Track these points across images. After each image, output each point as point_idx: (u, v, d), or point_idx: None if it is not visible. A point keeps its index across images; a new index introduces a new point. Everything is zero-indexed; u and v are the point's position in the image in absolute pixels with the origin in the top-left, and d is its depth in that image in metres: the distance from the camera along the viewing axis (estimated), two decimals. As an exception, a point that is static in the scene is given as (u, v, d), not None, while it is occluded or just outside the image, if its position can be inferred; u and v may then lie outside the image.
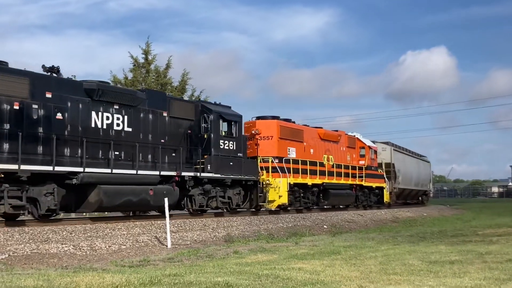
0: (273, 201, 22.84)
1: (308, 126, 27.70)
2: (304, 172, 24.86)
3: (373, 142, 35.99)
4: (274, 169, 22.93)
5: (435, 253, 11.69)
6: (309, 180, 25.15)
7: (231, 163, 19.82)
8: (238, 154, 20.29)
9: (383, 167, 34.02)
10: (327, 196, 26.82)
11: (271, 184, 22.56)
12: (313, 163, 25.81)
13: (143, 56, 33.24)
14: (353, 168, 29.89)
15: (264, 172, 22.31)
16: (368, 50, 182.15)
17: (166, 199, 15.02)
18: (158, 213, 18.42)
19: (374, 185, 31.80)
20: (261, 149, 22.87)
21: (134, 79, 32.21)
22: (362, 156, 31.35)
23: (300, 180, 24.49)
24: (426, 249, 12.58)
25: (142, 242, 14.71)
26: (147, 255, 12.79)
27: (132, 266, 10.86)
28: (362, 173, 30.54)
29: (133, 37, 75.11)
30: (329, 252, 12.38)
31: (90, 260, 12.20)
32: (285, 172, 23.04)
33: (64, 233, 14.19)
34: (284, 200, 23.05)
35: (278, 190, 22.85)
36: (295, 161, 24.33)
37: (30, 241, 13.12)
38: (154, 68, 33.41)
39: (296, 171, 24.16)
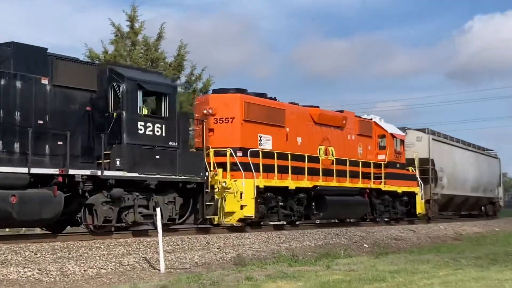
0: (232, 213, 16.42)
1: (295, 104, 20.55)
2: (284, 170, 17.99)
3: (402, 129, 27.47)
4: (235, 166, 16.42)
5: (512, 282, 9.57)
6: (291, 183, 18.16)
7: (157, 157, 14.09)
8: (171, 144, 14.38)
9: (416, 164, 25.19)
10: (322, 205, 19.64)
11: (229, 188, 16.16)
12: (299, 158, 18.75)
13: (128, 23, 26.73)
14: (367, 165, 22.01)
15: (221, 170, 16.20)
16: (420, 14, 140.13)
17: (158, 210, 12.30)
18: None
19: (400, 189, 23.36)
20: (217, 137, 16.67)
21: (116, 53, 25.77)
22: (383, 148, 23.08)
23: (275, 182, 17.65)
24: (498, 276, 10.74)
25: (128, 265, 12.40)
26: (134, 282, 10.77)
27: None
28: (381, 173, 22.43)
29: (115, 1, 66.89)
30: (370, 278, 10.51)
31: None
32: (251, 171, 16.47)
33: (27, 253, 12.03)
34: (249, 211, 16.40)
35: (238, 196, 16.33)
36: (270, 155, 17.66)
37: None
38: (142, 39, 26.81)
39: (270, 169, 17.51)
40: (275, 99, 19.23)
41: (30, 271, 10.79)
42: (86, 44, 26.63)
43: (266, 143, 18.03)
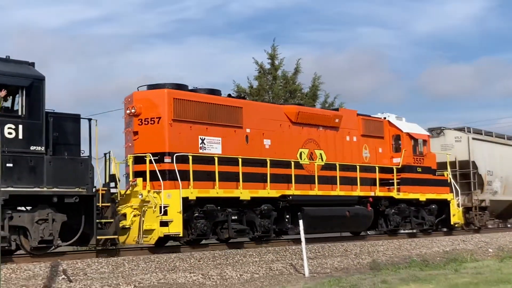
0: (151, 231, 14.04)
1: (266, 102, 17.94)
2: (233, 178, 15.46)
3: (439, 129, 24.81)
4: (161, 175, 14.17)
5: None
6: (244, 192, 15.53)
7: (8, 165, 11.71)
8: (33, 148, 11.92)
9: (448, 168, 22.01)
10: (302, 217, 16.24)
11: (148, 202, 13.90)
12: (258, 163, 16.14)
13: (269, 61, 30.87)
14: (371, 169, 19.31)
15: (141, 180, 14.09)
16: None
17: (301, 221, 14.02)
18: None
19: (423, 197, 20.30)
20: (141, 141, 14.68)
21: (260, 87, 30.19)
22: (398, 150, 20.30)
23: (216, 192, 15.01)
24: None
25: (277, 270, 13.92)
26: (282, 285, 12.12)
27: None
28: (396, 178, 19.71)
29: (258, 41, 64.18)
30: (496, 281, 11.11)
31: None
32: (176, 179, 14.08)
33: (191, 261, 13.64)
34: (175, 228, 13.98)
35: (158, 211, 13.88)
36: (210, 160, 15.17)
37: (157, 270, 12.67)
38: (281, 74, 30.95)
39: (210, 177, 15.07)
40: (230, 95, 17.05)
41: (195, 275, 12.43)
42: (234, 81, 31.19)
43: (213, 147, 15.65)
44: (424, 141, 21.21)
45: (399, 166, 19.89)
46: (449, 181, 21.68)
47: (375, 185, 19.13)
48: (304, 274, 13.26)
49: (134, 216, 14.00)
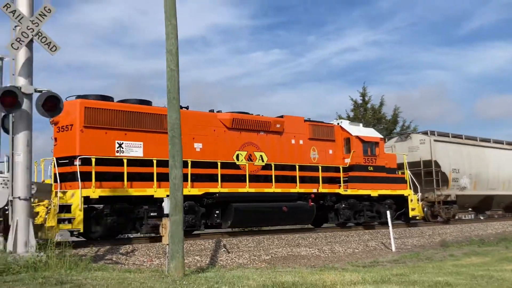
0: (51, 227, 14.47)
1: (201, 112, 18.58)
2: (149, 178, 16.13)
3: (405, 133, 27.43)
4: (70, 176, 15.05)
5: None
6: (158, 191, 16.08)
7: None
8: None
9: (405, 167, 23.14)
10: (229, 213, 17.68)
11: (54, 201, 14.37)
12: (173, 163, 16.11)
13: (361, 98, 40.32)
14: (313, 169, 20.26)
15: (57, 183, 14.78)
16: None
17: (388, 212, 19.31)
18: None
19: (374, 192, 21.50)
20: (59, 146, 15.67)
21: (355, 116, 38.34)
22: (349, 151, 21.66)
23: (126, 191, 15.56)
24: None
25: (371, 246, 17.85)
26: (375, 257, 15.22)
27: (364, 266, 12.93)
28: (343, 176, 21.05)
29: (352, 84, 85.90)
30: None
31: (331, 261, 14.82)
32: (83, 180, 14.76)
33: (310, 240, 17.78)
34: (77, 225, 14.50)
35: (56, 210, 14.29)
36: (119, 162, 15.77)
37: (286, 245, 16.43)
38: (370, 106, 40.07)
39: (120, 178, 15.70)
40: (150, 103, 17.65)
41: (313, 250, 16.19)
42: (336, 112, 41.20)
43: (132, 150, 16.35)
44: (376, 143, 22.26)
45: (347, 166, 21.13)
46: (406, 178, 22.74)
47: (318, 182, 20.14)
48: (391, 250, 17.11)
49: (46, 214, 14.42)
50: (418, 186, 23.21)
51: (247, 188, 18.10)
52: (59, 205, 14.47)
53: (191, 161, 16.77)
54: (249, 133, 19.10)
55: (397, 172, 22.90)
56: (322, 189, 20.14)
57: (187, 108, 18.10)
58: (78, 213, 14.45)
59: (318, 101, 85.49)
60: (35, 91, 11.12)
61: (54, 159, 15.27)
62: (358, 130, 22.19)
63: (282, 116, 20.43)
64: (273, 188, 18.79)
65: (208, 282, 8.80)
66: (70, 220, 14.50)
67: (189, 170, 16.56)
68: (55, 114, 11.32)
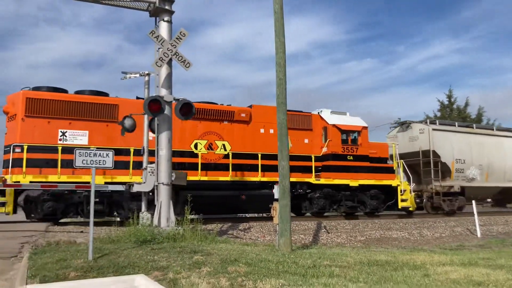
0: None
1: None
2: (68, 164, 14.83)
3: (404, 122, 23.57)
4: (12, 163, 14.29)
5: None
6: (99, 178, 14.75)
7: None
8: None
9: (394, 157, 20.31)
10: (179, 201, 15.87)
11: None
12: (122, 152, 15.22)
13: (447, 99, 40.42)
14: (291, 158, 17.05)
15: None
16: None
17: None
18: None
19: (354, 182, 18.99)
20: (8, 135, 14.99)
21: (442, 116, 38.68)
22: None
23: (58, 178, 14.33)
24: None
25: (457, 232, 16.89)
26: (461, 242, 14.47)
27: (451, 249, 12.22)
28: (316, 165, 18.46)
29: (437, 88, 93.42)
30: None
31: (420, 243, 14.23)
32: (21, 166, 14.09)
33: (400, 224, 17.31)
34: (8, 208, 14.00)
35: None
36: (53, 149, 14.48)
37: (379, 229, 16.18)
38: (456, 107, 40.20)
39: (54, 165, 14.48)
40: (107, 94, 16.26)
41: (403, 233, 15.92)
42: (424, 113, 40.97)
43: (76, 139, 15.11)
44: (358, 132, 19.50)
45: (320, 155, 18.62)
46: (395, 168, 19.98)
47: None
48: (477, 235, 16.43)
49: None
50: (411, 177, 20.55)
51: (199, 176, 16.18)
52: None
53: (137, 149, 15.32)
54: (210, 122, 17.13)
55: (388, 162, 20.17)
56: (290, 178, 18.06)
57: (137, 97, 16.62)
58: (9, 198, 13.94)
59: (407, 103, 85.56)
60: (174, 99, 11.78)
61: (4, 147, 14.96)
62: (338, 119, 19.40)
63: (250, 106, 18.17)
64: (230, 177, 16.76)
65: (312, 257, 9.05)
66: (3, 204, 13.96)
67: (131, 158, 15.23)
68: (189, 117, 12.07)
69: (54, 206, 14.43)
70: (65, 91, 15.52)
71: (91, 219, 8.72)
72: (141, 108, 14.78)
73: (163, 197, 11.66)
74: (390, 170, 19.77)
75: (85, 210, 14.66)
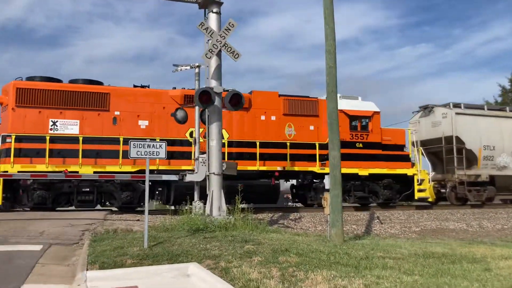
0: None
1: (145, 87, 16.38)
2: (73, 154, 14.75)
3: (426, 107, 21.69)
4: (4, 153, 14.53)
5: None
6: (80, 168, 14.51)
7: None
8: None
9: (409, 144, 18.78)
10: (170, 191, 15.77)
11: None
12: (112, 141, 15.12)
13: (509, 84, 38.50)
14: (278, 145, 16.98)
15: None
16: None
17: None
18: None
19: (364, 171, 17.81)
20: (2, 125, 15.12)
21: (503, 101, 36.81)
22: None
23: (46, 167, 14.35)
24: None
25: None
26: None
27: None
28: (320, 153, 17.27)
29: (499, 72, 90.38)
30: None
31: (479, 235, 13.71)
32: (13, 156, 14.31)
33: (458, 215, 16.60)
34: None
35: None
36: (41, 139, 14.52)
37: (435, 219, 15.67)
38: None
39: (41, 155, 14.49)
40: (101, 83, 16.08)
41: (460, 224, 15.27)
42: (484, 99, 40.02)
43: (67, 128, 15.01)
44: (368, 118, 18.13)
45: (325, 142, 16.54)
46: (411, 156, 18.48)
47: (287, 160, 16.91)
48: None
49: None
50: (429, 165, 19.26)
51: (192, 165, 15.15)
52: None
53: (125, 138, 15.00)
54: None
55: (405, 150, 18.74)
56: (292, 167, 16.92)
57: (147, 86, 16.35)
58: None
59: (465, 88, 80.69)
60: (224, 90, 11.84)
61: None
62: (346, 104, 18.00)
63: (251, 93, 17.31)
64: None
65: (365, 248, 8.82)
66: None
67: (121, 147, 14.93)
68: (239, 107, 12.06)
69: (43, 195, 14.45)
70: (59, 81, 15.55)
71: (146, 208, 9.00)
72: (134, 96, 15.64)
73: (214, 186, 11.84)
74: (406, 158, 18.45)
75: (75, 199, 14.70)
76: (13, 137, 14.23)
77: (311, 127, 17.51)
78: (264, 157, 16.69)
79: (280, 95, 17.43)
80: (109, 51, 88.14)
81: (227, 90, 12.28)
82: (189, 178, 12.78)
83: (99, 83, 15.99)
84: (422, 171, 18.42)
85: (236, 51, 12.06)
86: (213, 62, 12.19)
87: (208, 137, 12.21)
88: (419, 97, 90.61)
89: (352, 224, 14.32)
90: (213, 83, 12.11)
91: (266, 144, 16.79)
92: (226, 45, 11.99)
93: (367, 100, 18.92)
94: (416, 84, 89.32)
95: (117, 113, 15.44)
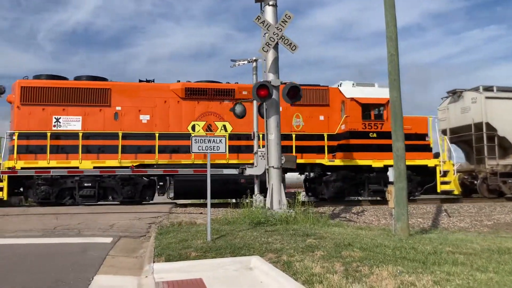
0: None
1: (150, 81, 16.59)
2: (73, 150, 15.32)
3: (454, 91, 20.25)
4: (11, 150, 15.38)
5: None
6: (80, 163, 15.17)
7: None
8: None
9: (430, 133, 17.38)
10: (170, 185, 15.85)
11: None
12: (111, 136, 15.53)
13: None
14: (299, 137, 16.52)
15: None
16: None
17: None
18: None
19: (379, 163, 16.59)
20: (12, 122, 15.64)
21: None
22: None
23: (47, 163, 15.02)
24: None
25: None
26: None
27: None
28: (329, 144, 16.72)
29: None
30: None
31: None
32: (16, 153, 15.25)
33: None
34: (3, 193, 15.03)
35: None
36: (41, 135, 15.18)
37: (509, 212, 14.72)
38: None
39: (43, 151, 15.18)
40: (105, 79, 16.30)
41: None
42: None
43: (70, 124, 15.46)
44: (383, 106, 16.92)
45: (335, 133, 16.65)
46: (432, 145, 17.19)
47: (293, 152, 16.10)
48: None
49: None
50: (454, 154, 17.51)
51: (192, 159, 15.56)
52: None
53: (130, 133, 15.50)
54: (209, 102, 16.32)
55: (427, 139, 17.30)
56: (299, 159, 16.05)
57: (152, 81, 16.42)
58: (4, 184, 14.83)
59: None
60: (281, 83, 11.78)
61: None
62: (359, 92, 16.98)
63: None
64: (227, 160, 15.87)
65: (432, 243, 8.42)
66: (1, 189, 14.91)
67: (119, 142, 15.42)
68: (297, 99, 11.92)
69: (47, 191, 15.03)
70: (65, 79, 15.96)
71: (208, 202, 9.15)
72: (136, 91, 15.85)
73: (274, 180, 11.85)
74: (427, 148, 17.13)
75: (77, 195, 15.09)
76: (17, 134, 14.94)
77: (321, 117, 16.94)
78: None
79: (291, 83, 16.57)
80: (170, 49, 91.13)
81: (285, 83, 12.22)
82: (248, 172, 12.93)
83: (103, 79, 16.24)
84: (447, 161, 17.17)
85: (293, 43, 11.93)
86: (270, 55, 12.16)
87: (267, 130, 12.23)
88: (487, 82, 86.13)
89: (418, 218, 13.84)
90: (271, 77, 12.09)
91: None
92: (283, 37, 11.90)
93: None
94: (486, 69, 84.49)
95: (118, 108, 15.74)
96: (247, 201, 12.06)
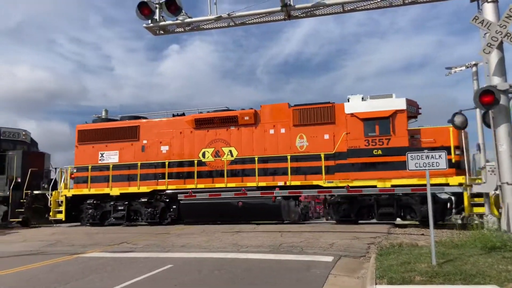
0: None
1: (178, 115, 18.90)
2: (102, 180, 18.98)
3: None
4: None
5: None
6: (111, 190, 18.55)
7: None
8: None
9: (452, 145, 14.63)
10: (180, 210, 17.63)
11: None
12: (133, 166, 18.61)
13: None
14: (294, 159, 16.21)
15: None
16: None
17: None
18: None
19: (386, 183, 15.00)
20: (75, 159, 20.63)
21: None
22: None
23: (88, 191, 18.82)
24: None
25: None
26: None
27: None
28: (326, 165, 15.79)
29: None
30: None
31: None
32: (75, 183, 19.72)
33: None
34: (62, 215, 19.13)
35: (56, 204, 19.53)
36: (94, 168, 19.28)
37: None
38: None
39: (86, 180, 19.24)
40: (144, 118, 19.38)
41: None
42: None
43: (110, 158, 18.70)
44: (388, 119, 15.01)
45: (332, 152, 15.62)
46: (453, 160, 14.06)
47: (288, 174, 16.18)
48: None
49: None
50: (466, 173, 13.85)
51: (195, 184, 17.29)
52: (56, 201, 19.16)
53: (152, 163, 18.21)
54: (217, 130, 17.68)
55: (457, 153, 14.57)
56: (293, 181, 16.16)
57: (183, 114, 18.58)
58: (63, 208, 18.98)
59: None
60: (510, 87, 10.33)
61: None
62: (366, 105, 15.55)
63: (258, 108, 17.56)
64: (225, 183, 16.89)
65: None
66: (61, 211, 19.03)
67: (138, 171, 18.11)
68: None
69: (94, 213, 18.86)
70: (115, 120, 19.76)
71: (431, 222, 8.53)
72: (157, 127, 18.61)
73: (510, 198, 10.29)
74: (451, 164, 14.03)
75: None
76: (69, 168, 19.52)
77: (326, 136, 16.24)
78: (268, 172, 16.65)
79: (290, 106, 16.95)
80: (377, 66, 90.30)
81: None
82: (476, 189, 11.69)
83: (142, 118, 19.45)
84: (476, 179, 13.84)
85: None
86: (493, 57, 10.85)
87: (496, 142, 10.79)
88: None
89: None
90: (496, 80, 10.71)
91: (264, 159, 16.73)
92: (508, 34, 10.47)
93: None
94: None
95: (145, 141, 18.67)
96: (476, 222, 10.84)
